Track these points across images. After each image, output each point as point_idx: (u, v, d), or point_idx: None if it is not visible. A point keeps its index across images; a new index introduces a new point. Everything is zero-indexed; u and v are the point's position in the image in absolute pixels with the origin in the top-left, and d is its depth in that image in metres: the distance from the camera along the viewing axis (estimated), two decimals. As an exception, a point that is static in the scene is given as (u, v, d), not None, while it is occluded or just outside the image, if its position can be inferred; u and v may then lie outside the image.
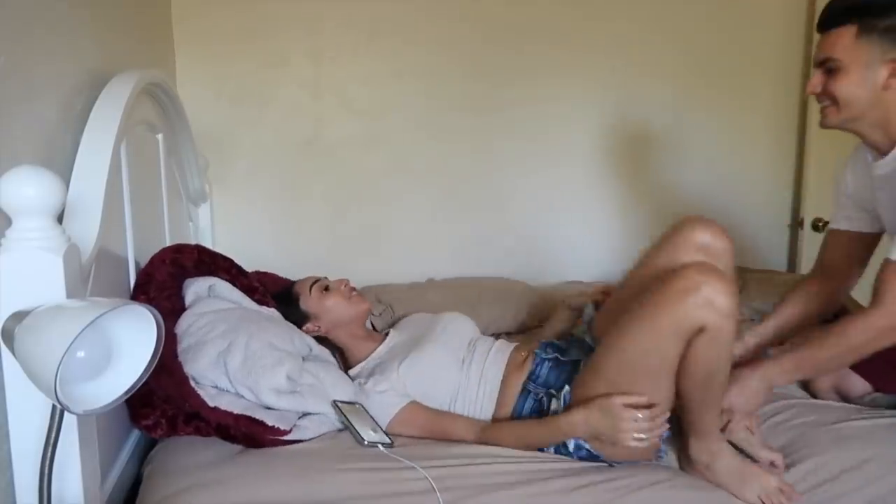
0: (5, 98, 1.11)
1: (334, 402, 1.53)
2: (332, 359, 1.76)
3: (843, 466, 1.44)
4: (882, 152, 1.42)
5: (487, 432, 1.54)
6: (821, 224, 2.73)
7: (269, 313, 1.73)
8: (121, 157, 1.45)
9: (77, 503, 1.13)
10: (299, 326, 1.75)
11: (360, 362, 1.76)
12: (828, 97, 1.38)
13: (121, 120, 1.35)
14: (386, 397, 1.60)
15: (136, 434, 1.55)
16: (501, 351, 1.73)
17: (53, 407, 0.97)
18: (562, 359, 1.65)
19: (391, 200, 2.66)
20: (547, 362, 1.65)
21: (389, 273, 2.57)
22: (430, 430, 1.57)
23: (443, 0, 2.57)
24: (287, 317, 1.75)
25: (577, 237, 2.82)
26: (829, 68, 1.36)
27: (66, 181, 1.22)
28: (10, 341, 0.98)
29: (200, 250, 1.71)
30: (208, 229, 2.38)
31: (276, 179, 2.57)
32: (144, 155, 1.72)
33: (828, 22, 1.37)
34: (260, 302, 1.75)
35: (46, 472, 0.98)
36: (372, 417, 1.55)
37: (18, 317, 0.98)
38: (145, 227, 1.67)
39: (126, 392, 1.01)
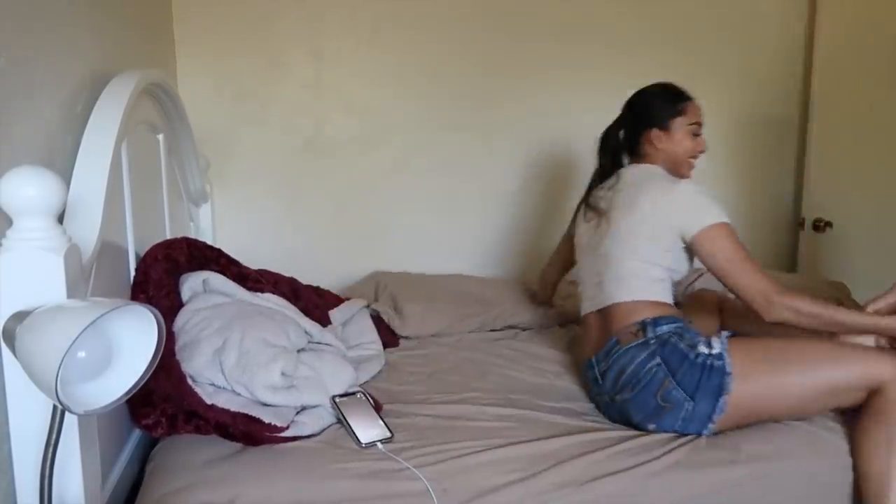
0: (6, 98, 1.11)
1: (332, 398, 1.53)
2: (335, 342, 1.75)
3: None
4: None
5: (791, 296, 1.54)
6: (821, 224, 2.73)
7: (264, 302, 1.73)
8: (121, 157, 1.45)
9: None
10: (652, 124, 1.76)
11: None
12: None
13: (121, 120, 1.35)
14: (713, 204, 1.62)
15: (136, 434, 1.55)
16: None
17: (54, 407, 0.97)
18: None
19: (392, 200, 2.66)
20: None
21: (391, 272, 2.57)
22: (736, 258, 1.58)
23: (444, -1, 2.57)
24: (656, 106, 1.78)
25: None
26: None
27: (67, 181, 1.22)
28: (10, 341, 0.98)
29: (189, 243, 1.71)
30: (209, 229, 2.38)
31: (277, 179, 2.57)
32: (145, 155, 1.72)
33: None
34: (253, 289, 1.75)
35: (47, 472, 0.98)
36: (372, 406, 1.54)
37: (19, 317, 0.98)
38: (146, 227, 1.67)
39: (127, 392, 1.01)
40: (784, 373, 1.52)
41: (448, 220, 2.71)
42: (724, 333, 1.59)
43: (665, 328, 1.61)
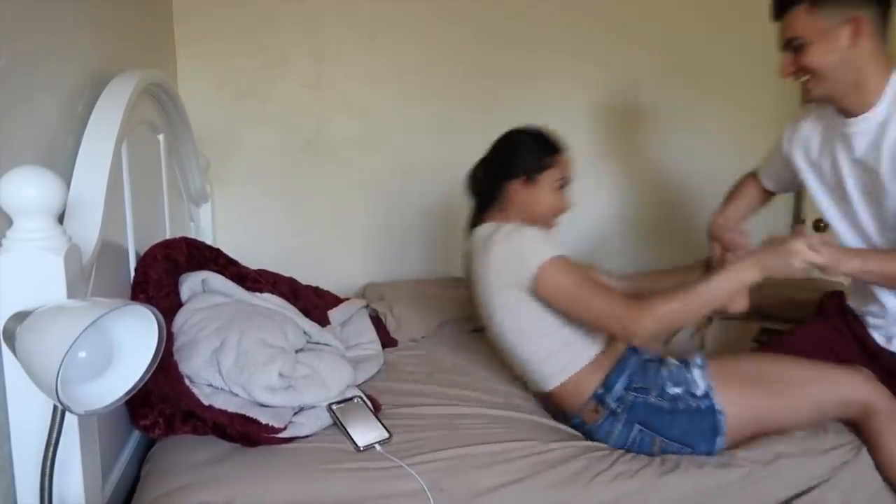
0: (6, 98, 1.11)
1: (329, 406, 1.53)
2: (334, 342, 1.75)
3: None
4: (853, 114, 1.48)
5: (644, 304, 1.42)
6: (822, 224, 2.73)
7: (262, 302, 1.73)
8: (122, 158, 1.45)
9: None
10: (518, 173, 1.61)
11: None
12: (805, 72, 1.44)
13: (122, 120, 1.35)
14: (539, 243, 1.49)
15: (137, 434, 1.55)
16: None
17: (55, 407, 0.97)
18: None
19: (393, 200, 2.66)
20: None
21: (391, 272, 2.57)
22: (576, 293, 1.46)
23: (444, -1, 2.57)
24: (525, 153, 1.62)
25: (578, 236, 2.82)
26: (796, 46, 1.43)
27: (68, 181, 1.22)
28: (11, 342, 0.98)
29: (188, 243, 1.71)
30: (209, 229, 2.38)
31: (278, 179, 2.57)
32: (145, 155, 1.72)
33: (780, 8, 1.45)
34: (251, 289, 1.75)
35: (47, 472, 0.98)
36: (371, 410, 1.53)
37: (20, 317, 0.98)
38: (147, 228, 1.67)
39: (127, 392, 1.01)
40: (771, 397, 1.49)
41: (448, 221, 2.71)
42: (698, 360, 1.52)
43: (620, 388, 1.50)
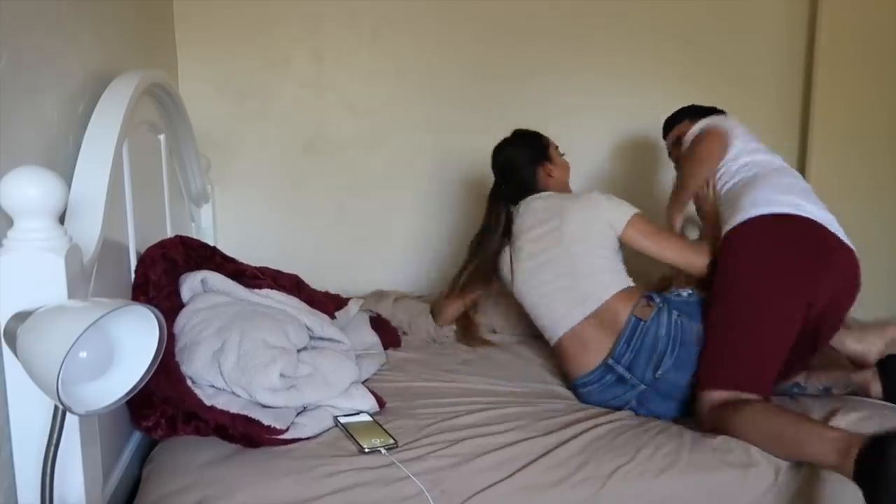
0: (8, 99, 1.11)
1: (335, 418, 1.53)
2: (339, 335, 1.75)
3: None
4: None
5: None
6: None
7: (263, 300, 1.73)
8: (123, 158, 1.45)
9: (79, 504, 1.13)
10: (538, 160, 2.00)
11: None
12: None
13: (123, 120, 1.35)
14: (620, 203, 1.86)
15: (138, 435, 1.55)
16: None
17: (55, 408, 0.97)
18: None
19: (393, 200, 2.66)
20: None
21: (391, 272, 2.57)
22: (658, 236, 1.85)
23: (445, -1, 2.57)
24: (521, 156, 2.02)
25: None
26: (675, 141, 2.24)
27: (68, 181, 1.22)
28: (12, 342, 0.98)
29: (182, 241, 1.70)
30: (210, 230, 2.38)
31: (278, 179, 2.57)
32: (146, 155, 1.72)
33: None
34: (250, 286, 1.75)
35: (48, 473, 0.98)
36: (379, 424, 1.53)
37: (20, 317, 0.98)
38: (147, 228, 1.67)
39: (128, 393, 1.01)
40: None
41: (448, 220, 2.71)
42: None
43: (656, 295, 1.83)
